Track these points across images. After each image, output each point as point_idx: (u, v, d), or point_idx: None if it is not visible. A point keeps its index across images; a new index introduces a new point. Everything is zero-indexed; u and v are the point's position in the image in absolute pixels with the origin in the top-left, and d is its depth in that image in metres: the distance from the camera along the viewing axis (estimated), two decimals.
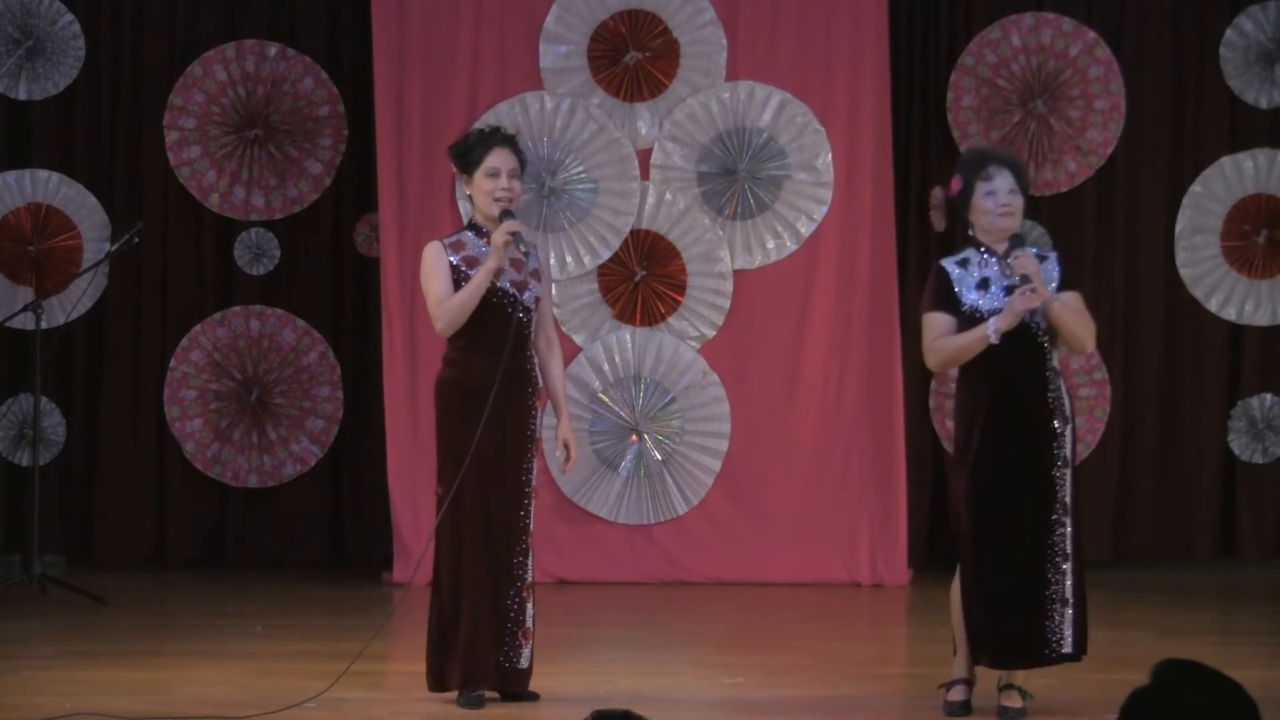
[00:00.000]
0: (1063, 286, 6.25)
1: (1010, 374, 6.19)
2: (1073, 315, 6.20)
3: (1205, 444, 9.96)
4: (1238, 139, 9.98)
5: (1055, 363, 6.24)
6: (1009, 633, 6.17)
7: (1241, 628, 8.81)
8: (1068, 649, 6.18)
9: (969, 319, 6.22)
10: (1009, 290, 6.18)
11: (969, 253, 6.32)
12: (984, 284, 6.24)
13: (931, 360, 6.38)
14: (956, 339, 6.21)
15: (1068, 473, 6.19)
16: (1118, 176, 9.92)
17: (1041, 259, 6.29)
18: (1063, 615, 6.15)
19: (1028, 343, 6.18)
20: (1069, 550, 6.16)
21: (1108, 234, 9.94)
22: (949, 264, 6.32)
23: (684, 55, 9.58)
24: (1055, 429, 6.17)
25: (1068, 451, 6.20)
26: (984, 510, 6.17)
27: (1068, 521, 6.17)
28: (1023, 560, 6.14)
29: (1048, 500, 6.15)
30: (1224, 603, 9.50)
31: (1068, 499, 6.18)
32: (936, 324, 6.29)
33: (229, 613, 8.51)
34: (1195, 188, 9.93)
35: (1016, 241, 6.23)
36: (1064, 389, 6.24)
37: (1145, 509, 9.97)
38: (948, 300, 6.26)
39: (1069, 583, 6.16)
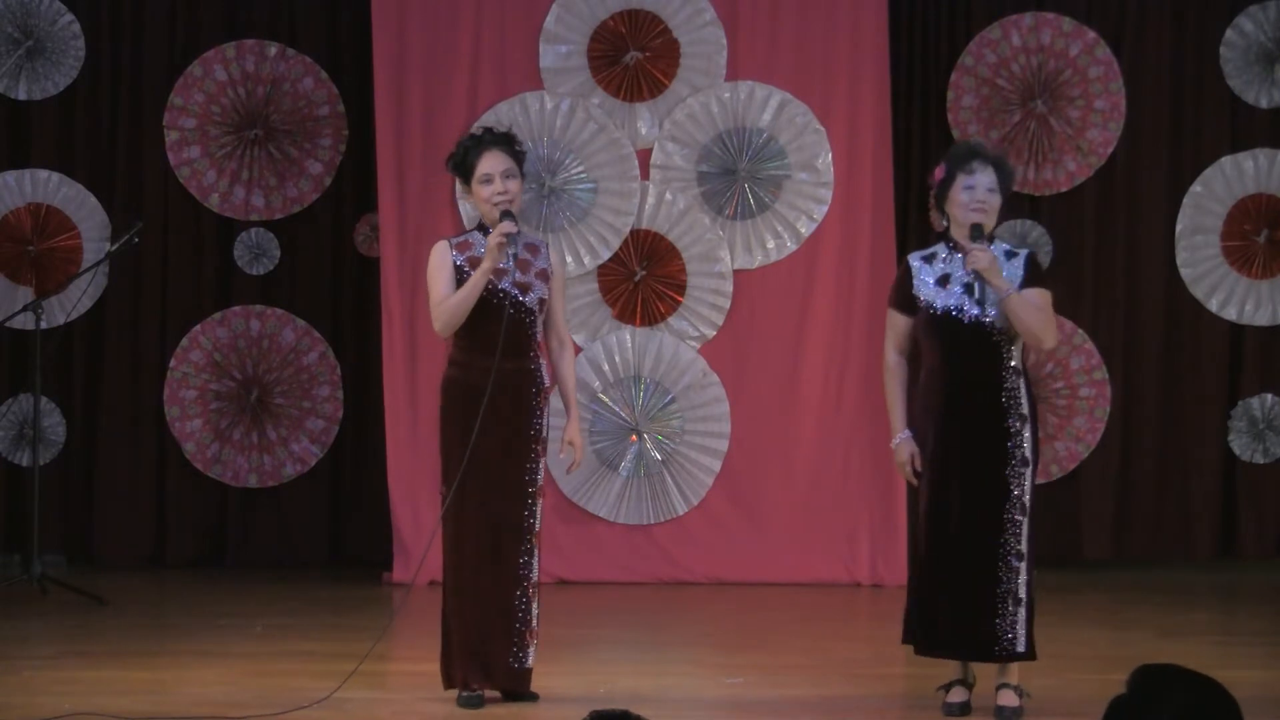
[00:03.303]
0: (1027, 286, 6.23)
1: (963, 371, 6.20)
2: (1028, 309, 6.16)
3: (1205, 444, 9.96)
4: (1238, 139, 9.98)
5: (1015, 363, 6.23)
6: (948, 626, 6.18)
7: (1241, 628, 8.81)
8: (1021, 648, 6.17)
9: (926, 314, 6.24)
10: (967, 288, 6.19)
11: (938, 247, 6.35)
12: (944, 280, 6.25)
13: (885, 359, 6.41)
14: (890, 392, 6.34)
15: (1025, 472, 6.18)
16: (1118, 176, 9.92)
17: (1011, 255, 6.29)
18: (1015, 614, 6.15)
19: (983, 340, 6.19)
20: (1023, 549, 6.17)
21: (1108, 234, 9.94)
22: (914, 258, 6.36)
23: (684, 55, 9.58)
24: (1009, 428, 6.17)
25: (1026, 451, 6.19)
26: (932, 504, 6.20)
27: (1024, 521, 6.17)
28: (971, 556, 6.15)
29: (1000, 498, 6.15)
30: (1224, 603, 9.51)
31: (1026, 498, 6.18)
32: (890, 321, 6.38)
33: (229, 613, 8.50)
34: (1195, 188, 9.93)
35: (977, 233, 6.21)
36: (1023, 389, 6.22)
37: (1145, 509, 9.97)
38: (903, 297, 6.32)
39: (1022, 581, 6.16)
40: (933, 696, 6.38)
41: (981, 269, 6.14)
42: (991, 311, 6.17)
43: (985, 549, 6.15)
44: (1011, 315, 6.15)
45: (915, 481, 6.26)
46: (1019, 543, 6.16)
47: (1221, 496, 10.01)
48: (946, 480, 6.19)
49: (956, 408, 6.19)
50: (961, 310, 6.20)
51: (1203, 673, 3.05)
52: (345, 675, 6.47)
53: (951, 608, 6.18)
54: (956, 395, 6.19)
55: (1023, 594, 6.16)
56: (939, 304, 6.23)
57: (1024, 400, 6.20)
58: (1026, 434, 6.20)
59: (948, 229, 6.34)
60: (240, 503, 9.92)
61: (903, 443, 6.27)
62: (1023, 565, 6.16)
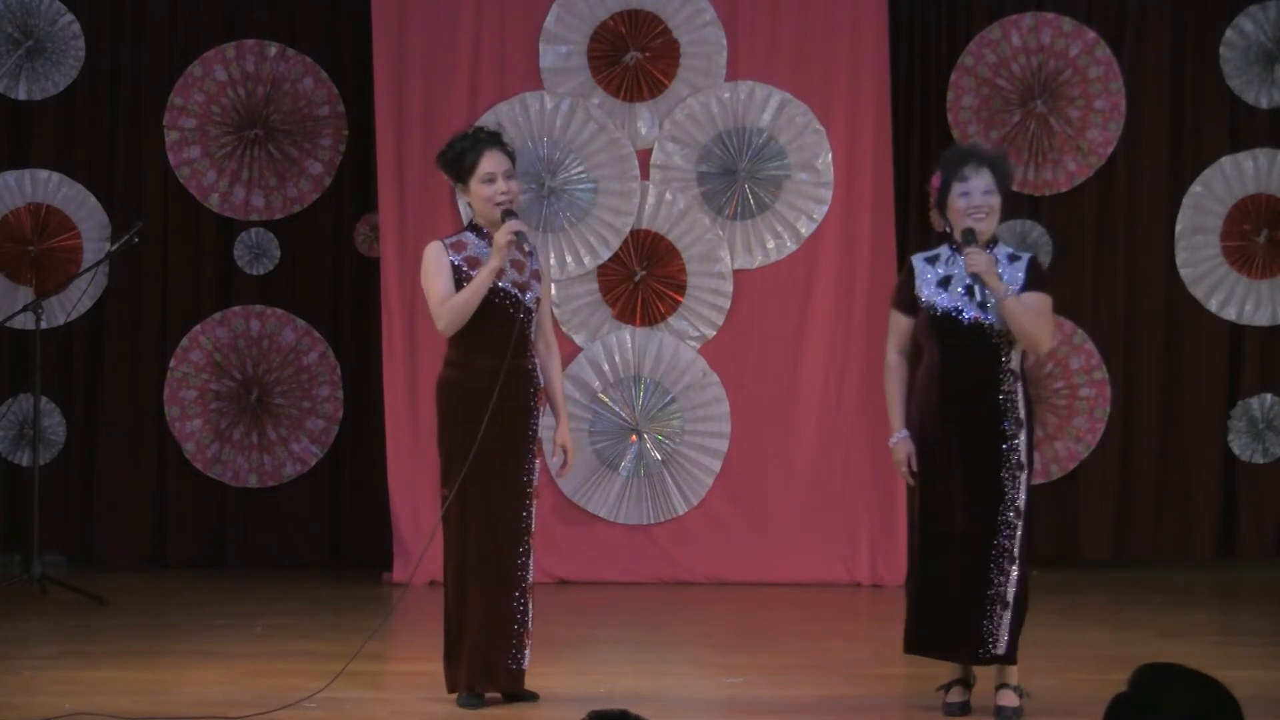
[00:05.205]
0: (1028, 290, 6.23)
1: (961, 373, 6.20)
2: (1026, 313, 6.16)
3: (1205, 444, 9.96)
4: (1238, 139, 9.98)
5: (1013, 365, 6.22)
6: (939, 626, 6.20)
7: (1241, 628, 8.81)
8: (1000, 650, 6.17)
9: (927, 314, 6.25)
10: (969, 290, 6.20)
11: (941, 249, 6.35)
12: (945, 282, 6.26)
13: (886, 359, 6.44)
14: (889, 391, 6.37)
15: (1021, 476, 6.17)
16: (1118, 176, 9.92)
17: (1014, 259, 6.29)
18: (1001, 617, 6.15)
19: (981, 342, 6.19)
20: (1016, 553, 6.16)
21: (1108, 234, 9.94)
22: (918, 259, 6.37)
23: (684, 55, 9.58)
24: (1005, 430, 6.17)
25: (1022, 455, 6.18)
26: (926, 503, 6.23)
27: (1018, 525, 6.16)
28: (964, 558, 6.15)
29: (995, 500, 6.15)
30: (1224, 603, 9.51)
31: (1020, 502, 6.17)
32: (892, 321, 6.40)
33: (229, 613, 8.50)
34: (1195, 188, 9.93)
35: (969, 237, 6.20)
36: (1020, 392, 6.20)
37: (1145, 509, 9.97)
38: (905, 297, 6.33)
39: (1012, 584, 6.16)
40: (933, 696, 6.38)
41: (980, 271, 6.14)
42: (991, 314, 6.18)
43: (978, 551, 6.15)
44: (1009, 318, 6.15)
45: (912, 481, 6.28)
46: (1012, 545, 6.16)
47: (1221, 496, 10.01)
48: (941, 480, 6.20)
49: (953, 409, 6.19)
50: (961, 311, 6.21)
51: (1204, 673, 3.05)
52: (345, 675, 6.46)
53: (941, 608, 6.19)
54: (953, 396, 6.20)
55: (1010, 597, 6.15)
56: (939, 305, 6.24)
57: (1020, 404, 6.20)
58: (1022, 438, 6.19)
59: (950, 231, 6.35)
60: (240, 503, 9.92)
61: (900, 441, 6.29)
62: (1014, 568, 6.16)
